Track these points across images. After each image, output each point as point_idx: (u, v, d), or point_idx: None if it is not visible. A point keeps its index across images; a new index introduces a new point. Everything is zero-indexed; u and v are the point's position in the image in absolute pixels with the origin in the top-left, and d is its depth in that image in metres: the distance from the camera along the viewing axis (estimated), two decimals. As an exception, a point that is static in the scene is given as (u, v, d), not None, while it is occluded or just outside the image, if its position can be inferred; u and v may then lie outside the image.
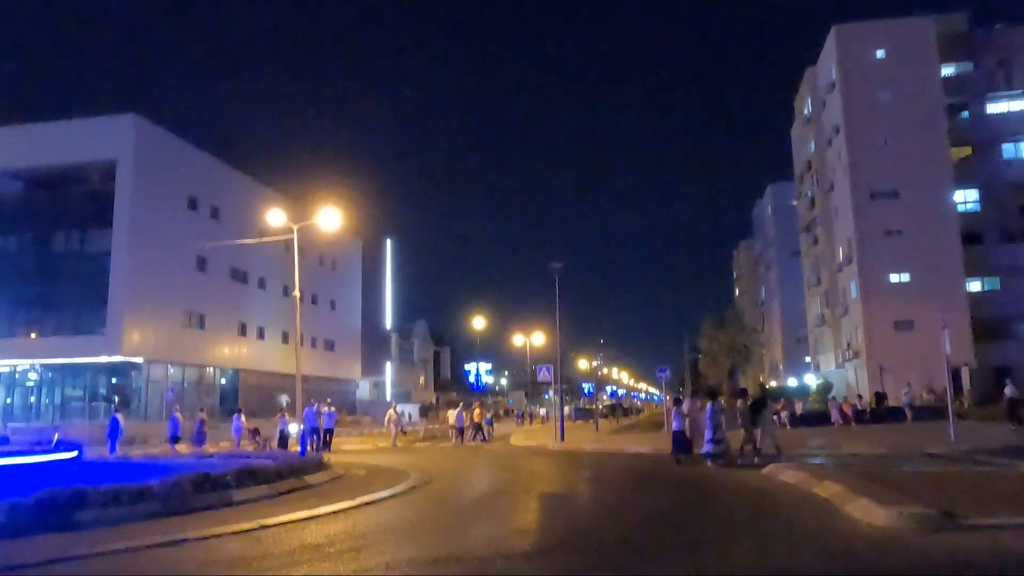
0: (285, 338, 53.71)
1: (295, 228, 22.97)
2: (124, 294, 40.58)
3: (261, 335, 52.95)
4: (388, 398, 69.72)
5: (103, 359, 41.31)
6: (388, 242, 77.62)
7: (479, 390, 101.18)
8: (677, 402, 20.01)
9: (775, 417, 24.90)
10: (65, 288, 42.34)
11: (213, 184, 48.29)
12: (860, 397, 38.84)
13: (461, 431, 32.12)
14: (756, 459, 16.46)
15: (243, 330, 51.26)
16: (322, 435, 26.97)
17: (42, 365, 43.56)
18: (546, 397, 74.91)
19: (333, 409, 29.17)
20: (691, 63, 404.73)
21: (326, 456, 19.68)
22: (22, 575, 7.31)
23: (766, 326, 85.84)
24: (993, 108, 49.32)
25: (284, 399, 41.24)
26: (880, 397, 37.14)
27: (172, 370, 45.02)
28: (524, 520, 10.37)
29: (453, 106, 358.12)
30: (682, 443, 17.93)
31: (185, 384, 46.11)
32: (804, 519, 9.52)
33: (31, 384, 44.54)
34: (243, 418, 26.64)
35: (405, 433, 36.51)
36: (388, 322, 77.16)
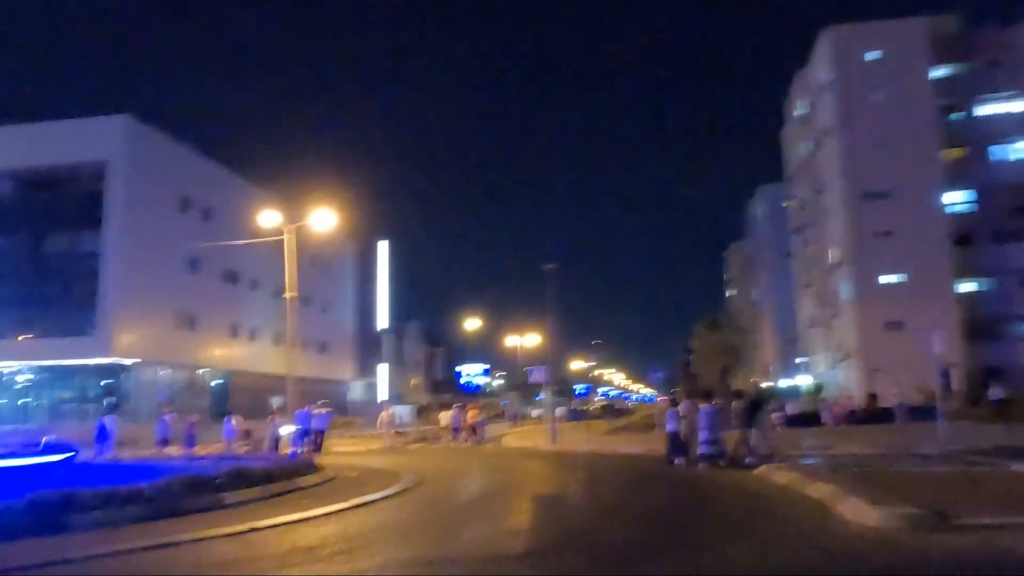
0: (277, 339, 53.49)
1: (288, 229, 22.95)
2: (115, 295, 40.40)
3: (253, 336, 52.80)
4: (381, 399, 69.55)
5: (94, 361, 41.11)
6: (381, 243, 77.43)
7: (472, 391, 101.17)
8: (673, 403, 19.99)
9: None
10: (56, 289, 42.14)
11: (205, 185, 48.14)
12: (852, 398, 39.03)
13: (457, 431, 32.16)
14: (749, 460, 16.47)
15: (235, 331, 51.10)
16: (314, 437, 26.89)
17: (33, 367, 43.31)
18: (539, 398, 74.93)
19: (327, 410, 29.09)
20: (684, 66, 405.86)
21: (318, 458, 19.64)
22: (12, 579, 7.26)
23: (758, 327, 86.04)
24: (984, 110, 49.57)
25: (276, 401, 41.10)
26: (871, 398, 37.32)
27: (163, 372, 44.82)
28: (517, 521, 10.36)
29: (447, 108, 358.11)
30: (677, 445, 17.91)
31: (177, 386, 45.92)
32: (796, 520, 9.55)
33: (21, 386, 44.28)
34: (235, 420, 26.53)
35: (400, 434, 36.46)
36: (381, 323, 76.96)
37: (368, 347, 72.78)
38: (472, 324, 56.24)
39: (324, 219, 22.61)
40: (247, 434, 26.57)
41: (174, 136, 46.72)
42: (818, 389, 46.50)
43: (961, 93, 49.40)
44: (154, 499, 10.62)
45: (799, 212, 61.80)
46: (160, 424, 24.63)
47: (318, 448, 25.97)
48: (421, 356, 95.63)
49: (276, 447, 24.63)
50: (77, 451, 14.02)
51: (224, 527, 9.53)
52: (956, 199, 48.70)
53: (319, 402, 29.01)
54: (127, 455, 23.64)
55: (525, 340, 45.54)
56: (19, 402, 44.05)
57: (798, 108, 59.48)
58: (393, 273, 78.78)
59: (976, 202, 48.58)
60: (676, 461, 17.54)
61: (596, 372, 75.26)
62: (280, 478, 13.76)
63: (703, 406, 17.50)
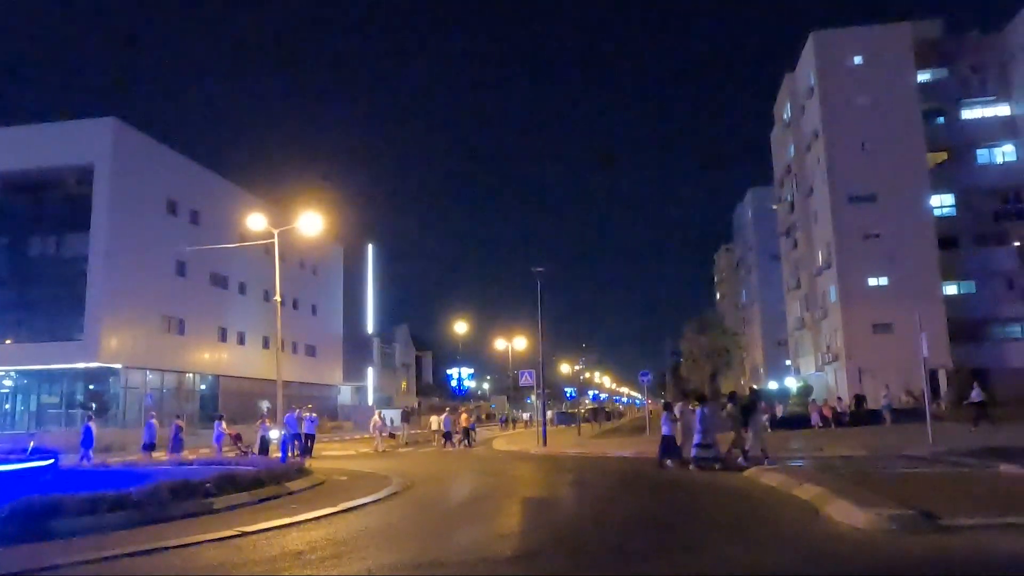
0: (266, 343, 53.32)
1: (276, 233, 22.86)
2: (102, 299, 40.11)
3: (241, 340, 52.55)
4: (370, 403, 69.40)
5: (80, 365, 40.76)
6: (370, 246, 77.40)
7: (461, 395, 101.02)
8: (667, 406, 20.00)
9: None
10: (41, 293, 41.80)
11: (193, 188, 47.91)
12: (840, 400, 39.23)
13: (448, 435, 32.19)
14: (743, 461, 16.51)
15: (223, 335, 50.85)
16: (303, 441, 26.78)
17: (17, 372, 42.93)
18: (528, 401, 74.94)
19: (314, 415, 29.00)
20: (672, 69, 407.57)
21: (307, 462, 19.57)
22: (-3, 585, 7.19)
23: (747, 329, 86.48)
24: (968, 114, 50.10)
25: (265, 405, 40.91)
26: (859, 399, 37.54)
27: (151, 376, 44.52)
28: (507, 524, 10.35)
29: (435, 112, 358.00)
30: (671, 447, 17.94)
31: (164, 390, 45.62)
32: (785, 522, 9.59)
33: (6, 391, 43.87)
34: (224, 424, 26.41)
35: (393, 437, 36.44)
36: (370, 327, 76.85)
37: (357, 351, 72.61)
38: (461, 327, 56.15)
39: (312, 223, 22.49)
40: (236, 438, 26.44)
41: (161, 139, 46.59)
42: (807, 391, 46.66)
43: (945, 97, 49.92)
44: (141, 504, 10.54)
45: (787, 215, 62.17)
46: (147, 428, 24.45)
47: (307, 452, 25.88)
48: (410, 360, 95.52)
49: (265, 451, 24.51)
50: (57, 456, 13.87)
51: (212, 532, 9.46)
52: (941, 202, 49.20)
53: (307, 406, 28.95)
54: (114, 460, 23.47)
55: (514, 343, 45.52)
56: (4, 407, 43.67)
57: (786, 111, 59.88)
58: (381, 277, 78.85)
59: (960, 205, 49.07)
60: (667, 463, 17.56)
61: (586, 375, 75.21)
62: (269, 482, 13.70)
63: (697, 408, 17.54)
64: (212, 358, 49.42)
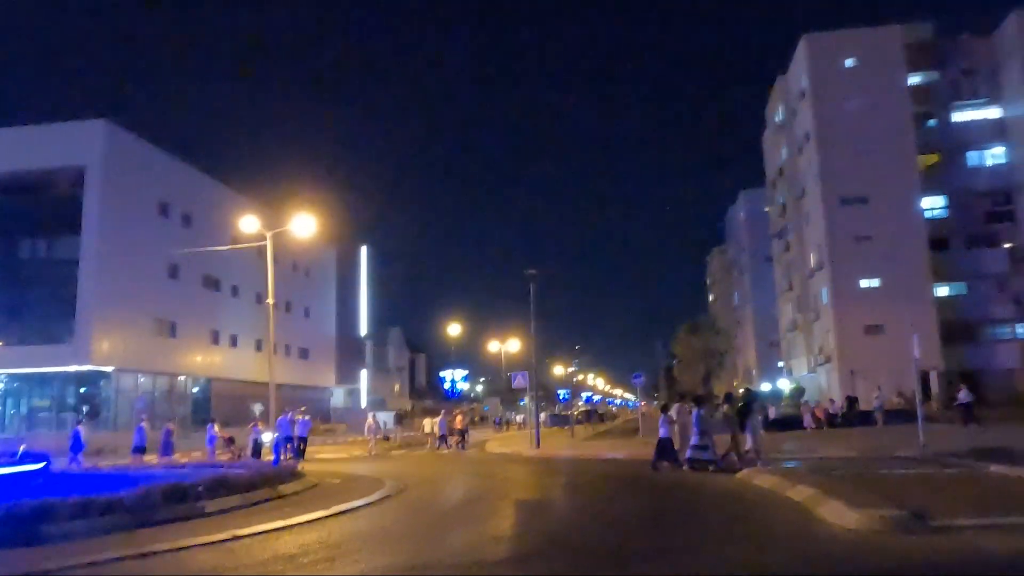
0: (258, 346, 53.19)
1: (269, 235, 22.81)
2: (93, 302, 39.93)
3: (234, 343, 52.39)
4: (363, 406, 69.28)
5: (72, 368, 40.57)
6: (363, 248, 77.24)
7: (454, 397, 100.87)
8: (665, 408, 19.99)
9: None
10: (33, 296, 41.60)
11: (185, 190, 47.77)
12: (832, 401, 39.34)
13: (444, 438, 32.17)
14: (740, 463, 16.50)
15: (215, 338, 50.69)
16: (296, 444, 26.72)
17: (8, 375, 42.68)
18: (522, 403, 74.91)
19: (307, 417, 28.95)
20: (664, 71, 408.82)
21: (300, 465, 19.51)
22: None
23: (740, 331, 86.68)
24: (959, 116, 50.34)
25: (258, 408, 40.83)
26: (851, 401, 37.65)
27: (142, 379, 44.34)
28: (500, 527, 10.34)
29: (428, 113, 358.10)
30: (667, 450, 17.93)
31: (156, 393, 45.44)
32: (778, 522, 9.61)
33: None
34: (217, 427, 26.34)
35: (388, 440, 36.43)
36: (363, 329, 76.70)
37: (350, 353, 72.49)
38: (454, 329, 56.13)
39: (305, 225, 22.46)
40: (229, 441, 26.38)
41: (153, 141, 46.40)
42: (799, 392, 46.85)
43: (936, 100, 50.19)
44: (133, 508, 10.49)
45: (779, 217, 62.36)
46: (137, 432, 24.35)
47: (300, 455, 25.83)
48: (403, 362, 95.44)
49: (258, 454, 24.44)
50: (48, 460, 13.80)
51: (205, 536, 9.44)
52: (933, 204, 49.45)
53: (300, 408, 28.88)
54: (105, 464, 23.36)
55: (508, 345, 45.53)
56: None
57: (779, 114, 60.10)
58: (374, 279, 78.68)
59: (951, 207, 49.33)
60: (663, 465, 17.57)
61: (579, 377, 75.29)
62: (262, 485, 13.66)
63: (694, 410, 17.53)
64: (204, 361, 49.24)
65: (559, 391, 73.46)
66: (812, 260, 52.92)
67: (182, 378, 48.08)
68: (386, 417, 58.51)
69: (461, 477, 19.00)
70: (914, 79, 49.89)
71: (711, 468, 16.39)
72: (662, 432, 18.17)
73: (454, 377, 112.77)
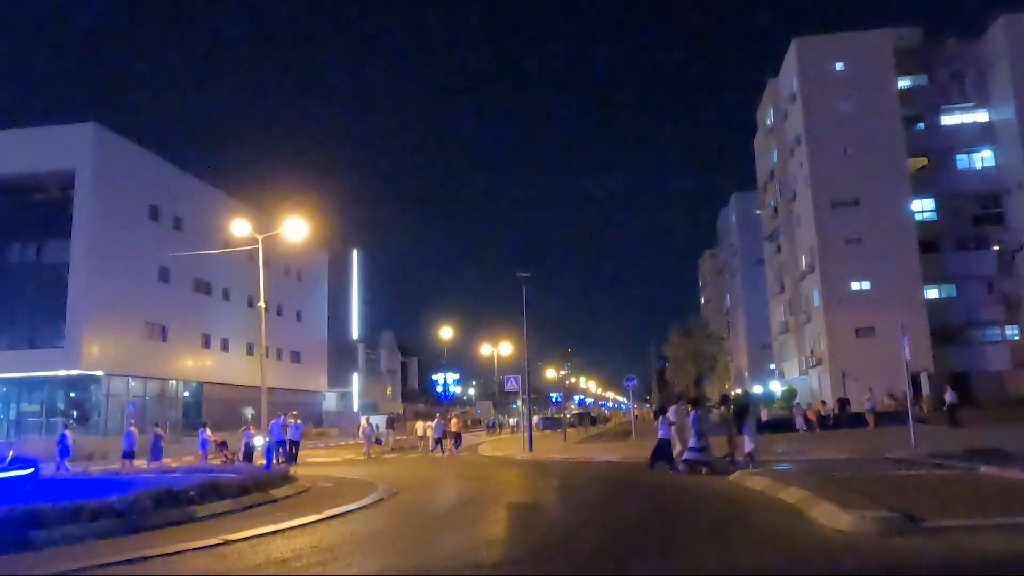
0: (250, 350, 52.97)
1: (260, 238, 22.75)
2: (83, 306, 39.69)
3: (225, 347, 52.15)
4: (355, 410, 69.07)
5: (61, 373, 40.30)
6: (354, 252, 77.08)
7: (446, 400, 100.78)
8: (662, 411, 20.00)
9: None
10: (22, 300, 41.29)
11: (176, 194, 47.55)
12: (824, 403, 39.51)
13: (439, 441, 32.16)
14: (737, 464, 16.53)
15: (207, 342, 50.44)
16: (288, 448, 26.65)
17: (-3, 379, 42.34)
18: (514, 406, 74.88)
19: (299, 421, 28.87)
20: (656, 74, 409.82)
21: (292, 469, 19.45)
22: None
23: (731, 334, 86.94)
24: (948, 120, 50.70)
25: (249, 412, 40.66)
26: (843, 403, 37.82)
27: (133, 383, 44.07)
28: (493, 530, 10.33)
29: (420, 116, 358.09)
30: (665, 451, 17.95)
31: (147, 398, 45.18)
32: (770, 524, 9.62)
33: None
34: (208, 431, 26.25)
35: (380, 443, 36.35)
36: (355, 333, 76.50)
37: (342, 357, 72.27)
38: (446, 333, 56.07)
39: (297, 228, 22.43)
40: (221, 446, 26.28)
41: (143, 144, 46.22)
42: (791, 395, 46.98)
43: (925, 103, 50.55)
44: (124, 513, 10.41)
45: (771, 219, 62.61)
46: (126, 436, 24.23)
47: (292, 459, 25.76)
48: (395, 365, 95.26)
49: (250, 458, 24.35)
50: (37, 465, 13.71)
51: (196, 540, 9.38)
52: (922, 207, 49.75)
53: (292, 412, 28.81)
54: (95, 468, 23.24)
55: (500, 348, 45.52)
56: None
57: (769, 117, 60.36)
58: (366, 283, 78.51)
59: (941, 210, 49.63)
60: (655, 467, 17.57)
61: (571, 380, 75.29)
62: (253, 490, 13.60)
63: (691, 411, 17.56)
64: (195, 365, 49.01)
65: (552, 394, 73.51)
66: (803, 263, 53.13)
67: (173, 382, 47.82)
68: (378, 421, 58.39)
69: (454, 480, 18.98)
70: (903, 83, 50.23)
71: (703, 470, 16.40)
72: (661, 433, 18.21)
73: (446, 380, 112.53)
